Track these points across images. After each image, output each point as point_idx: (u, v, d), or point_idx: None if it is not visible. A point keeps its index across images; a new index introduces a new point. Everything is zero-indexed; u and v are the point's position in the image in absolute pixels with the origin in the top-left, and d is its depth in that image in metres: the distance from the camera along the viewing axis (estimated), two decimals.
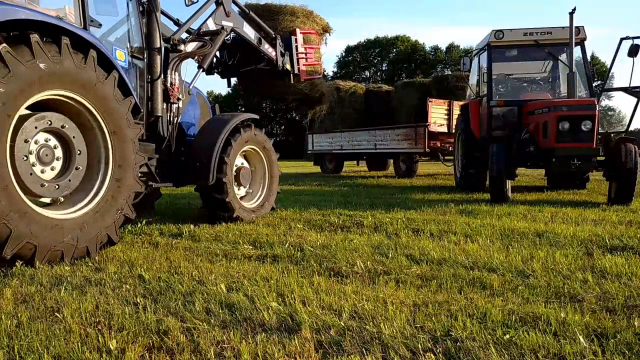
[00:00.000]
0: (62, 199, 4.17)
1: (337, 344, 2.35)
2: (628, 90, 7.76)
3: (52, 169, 4.02)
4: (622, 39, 7.68)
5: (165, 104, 5.58)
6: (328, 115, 17.26)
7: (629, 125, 8.33)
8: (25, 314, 2.80)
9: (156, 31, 5.32)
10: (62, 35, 3.86)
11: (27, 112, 3.85)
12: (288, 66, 7.96)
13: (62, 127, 4.02)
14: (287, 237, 4.94)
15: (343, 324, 2.54)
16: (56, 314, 2.79)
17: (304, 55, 8.32)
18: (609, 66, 8.44)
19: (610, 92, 38.18)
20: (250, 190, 6.57)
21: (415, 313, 2.71)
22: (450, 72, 27.18)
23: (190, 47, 6.06)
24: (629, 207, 6.88)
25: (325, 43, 10.14)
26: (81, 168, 4.19)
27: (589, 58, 9.06)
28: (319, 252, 4.21)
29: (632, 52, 7.42)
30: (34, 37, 3.64)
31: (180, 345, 2.36)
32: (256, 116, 6.61)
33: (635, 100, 7.68)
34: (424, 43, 70.57)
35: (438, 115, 14.68)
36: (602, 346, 2.26)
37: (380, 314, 2.69)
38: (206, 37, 6.20)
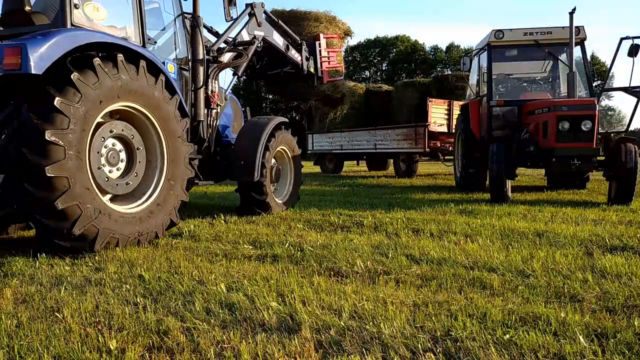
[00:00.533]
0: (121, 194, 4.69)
1: (337, 343, 2.35)
2: (628, 90, 7.76)
3: (117, 170, 4.64)
4: (622, 39, 7.68)
5: (206, 110, 6.10)
6: (328, 115, 17.27)
7: (629, 125, 8.34)
8: (25, 314, 2.80)
9: (199, 44, 5.85)
10: (119, 53, 4.41)
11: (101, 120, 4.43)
12: (312, 70, 8.49)
13: (125, 132, 4.64)
14: (287, 237, 4.94)
15: (343, 324, 2.54)
16: (56, 314, 2.79)
17: (326, 59, 8.82)
18: (609, 66, 8.43)
19: (610, 92, 38.18)
20: (279, 187, 7.17)
21: (415, 313, 2.71)
22: (450, 72, 27.16)
23: (227, 56, 6.63)
24: (629, 207, 6.87)
25: (347, 46, 10.66)
26: (142, 168, 4.82)
27: (589, 58, 9.06)
28: (319, 252, 4.21)
29: (632, 52, 7.42)
30: (120, 57, 4.34)
31: (180, 345, 2.36)
32: (286, 120, 7.21)
33: (635, 100, 7.68)
34: (423, 43, 70.67)
35: (438, 115, 14.67)
36: (602, 346, 2.26)
37: (380, 313, 2.69)
38: (240, 47, 6.75)
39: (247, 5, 6.84)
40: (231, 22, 6.56)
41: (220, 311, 2.79)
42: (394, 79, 52.48)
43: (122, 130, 4.61)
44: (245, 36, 6.85)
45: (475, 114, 9.55)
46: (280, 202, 6.99)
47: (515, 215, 6.24)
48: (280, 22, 7.71)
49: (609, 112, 63.02)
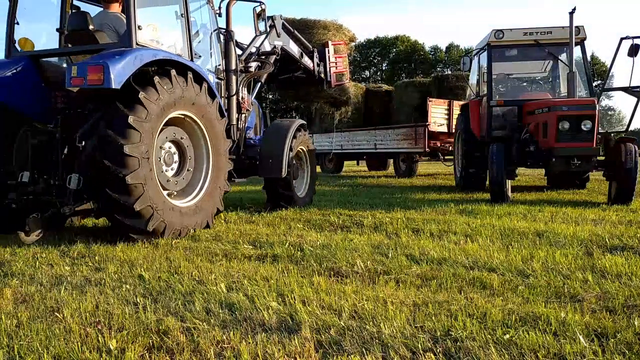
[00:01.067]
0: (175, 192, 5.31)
1: (337, 343, 2.35)
2: (628, 90, 7.76)
3: (172, 169, 5.29)
4: (622, 39, 7.67)
5: (237, 114, 6.75)
6: (328, 115, 17.25)
7: (629, 125, 8.33)
8: (25, 314, 2.80)
9: (232, 56, 6.56)
10: (173, 68, 5.01)
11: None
12: (322, 74, 9.19)
13: (178, 136, 5.29)
14: (287, 237, 4.93)
15: (343, 324, 2.54)
16: (56, 313, 2.79)
17: (334, 64, 9.50)
18: (609, 66, 8.43)
19: (610, 92, 38.18)
20: (296, 184, 7.66)
21: (415, 313, 2.71)
22: (450, 72, 27.13)
23: (253, 66, 7.25)
24: (629, 207, 6.87)
25: (352, 51, 11.32)
26: (192, 165, 5.46)
27: (589, 58, 9.06)
28: (319, 252, 4.21)
29: (632, 52, 7.41)
30: (173, 72, 4.91)
31: (180, 345, 2.36)
32: (305, 122, 7.82)
33: (635, 100, 7.67)
34: (423, 43, 70.55)
35: (438, 115, 14.65)
36: (602, 346, 2.26)
37: (380, 313, 2.69)
38: (263, 57, 7.38)
39: (268, 18, 7.33)
40: (259, 34, 7.23)
41: (220, 311, 2.79)
42: (394, 79, 52.45)
43: (174, 134, 5.24)
44: (267, 46, 7.45)
45: (475, 114, 9.55)
46: (300, 196, 7.59)
47: (515, 215, 6.24)
48: (296, 32, 8.32)
49: (609, 112, 62.99)
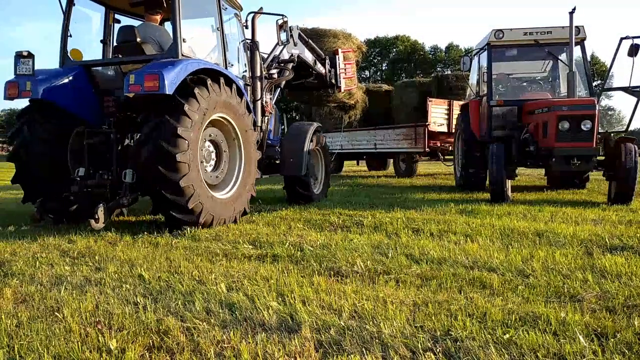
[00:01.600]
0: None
1: (337, 343, 2.35)
2: (628, 90, 7.75)
3: (210, 166, 5.88)
4: (622, 39, 7.67)
5: (261, 117, 7.34)
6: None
7: (628, 125, 8.33)
8: (25, 313, 2.80)
9: (257, 64, 7.18)
10: (219, 77, 5.71)
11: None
12: (333, 80, 9.83)
13: (214, 135, 5.90)
14: (287, 237, 4.94)
15: (343, 324, 2.55)
16: (56, 313, 2.79)
17: (343, 70, 10.14)
18: (609, 66, 8.43)
19: (610, 92, 38.13)
20: (314, 181, 8.32)
21: (415, 313, 2.71)
22: (450, 72, 27.11)
23: (273, 72, 7.84)
24: (629, 207, 6.88)
25: (359, 59, 12.31)
26: (227, 165, 6.14)
27: (588, 58, 9.05)
28: (319, 252, 4.21)
29: (632, 52, 7.41)
30: (208, 80, 5.47)
31: (180, 345, 2.36)
32: (321, 125, 8.58)
33: (635, 100, 7.67)
34: (423, 43, 70.59)
35: (438, 115, 14.64)
36: (602, 346, 2.26)
37: (380, 313, 2.69)
38: (282, 64, 7.99)
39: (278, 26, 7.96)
40: (280, 44, 7.84)
41: (220, 311, 2.80)
42: (394, 79, 52.44)
43: (211, 135, 5.84)
44: (286, 55, 8.06)
45: (475, 113, 9.54)
46: (317, 192, 8.25)
47: (515, 215, 6.24)
48: (309, 41, 8.96)
49: (609, 112, 62.99)
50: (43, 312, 2.83)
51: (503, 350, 2.22)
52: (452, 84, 17.35)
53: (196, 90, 5.25)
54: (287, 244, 4.58)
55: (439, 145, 14.51)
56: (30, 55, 5.52)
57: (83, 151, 5.71)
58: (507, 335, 2.36)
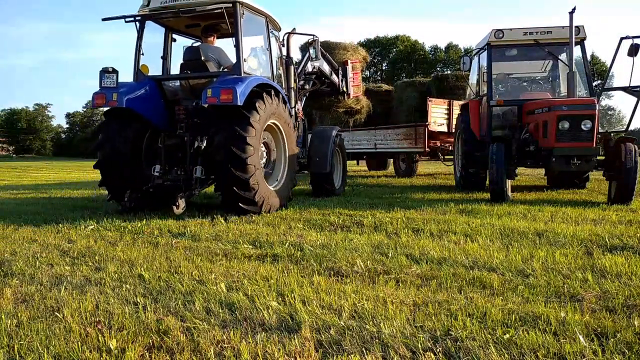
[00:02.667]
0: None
1: (337, 343, 2.35)
2: (628, 89, 7.74)
3: (262, 163, 6.80)
4: (622, 39, 7.66)
5: (295, 122, 8.31)
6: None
7: (628, 125, 8.31)
8: (25, 313, 2.80)
9: (292, 76, 8.23)
10: (270, 89, 6.78)
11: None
12: (344, 88, 10.94)
13: (268, 138, 7.06)
14: (287, 237, 4.93)
15: (343, 324, 2.55)
16: (56, 313, 2.79)
17: (352, 79, 11.29)
18: (609, 66, 8.42)
19: (610, 92, 38.12)
20: (335, 177, 9.28)
21: (415, 312, 2.71)
22: (450, 72, 27.11)
23: (301, 83, 9.02)
24: (629, 207, 6.87)
25: (365, 68, 12.84)
26: (275, 161, 7.33)
27: (588, 57, 9.05)
28: (319, 252, 4.21)
29: (632, 52, 7.41)
30: (264, 93, 6.52)
31: (180, 344, 2.36)
32: (340, 128, 9.89)
33: (635, 99, 7.65)
34: (423, 43, 70.56)
35: (438, 115, 14.63)
36: (602, 345, 2.26)
37: (380, 313, 2.69)
38: (307, 76, 9.22)
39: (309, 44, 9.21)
40: (310, 59, 8.99)
41: (220, 311, 2.80)
42: (393, 78, 52.45)
43: (264, 138, 6.80)
44: (310, 67, 9.18)
45: (475, 113, 9.54)
46: (337, 187, 9.20)
47: (515, 215, 6.24)
48: (327, 55, 10.01)
49: (609, 112, 63.01)
50: (43, 312, 2.83)
51: (503, 350, 2.22)
52: (452, 84, 17.34)
53: (257, 104, 6.30)
54: (287, 244, 4.58)
55: (439, 145, 14.50)
56: (115, 71, 6.50)
57: (157, 151, 6.82)
58: (507, 335, 2.36)
